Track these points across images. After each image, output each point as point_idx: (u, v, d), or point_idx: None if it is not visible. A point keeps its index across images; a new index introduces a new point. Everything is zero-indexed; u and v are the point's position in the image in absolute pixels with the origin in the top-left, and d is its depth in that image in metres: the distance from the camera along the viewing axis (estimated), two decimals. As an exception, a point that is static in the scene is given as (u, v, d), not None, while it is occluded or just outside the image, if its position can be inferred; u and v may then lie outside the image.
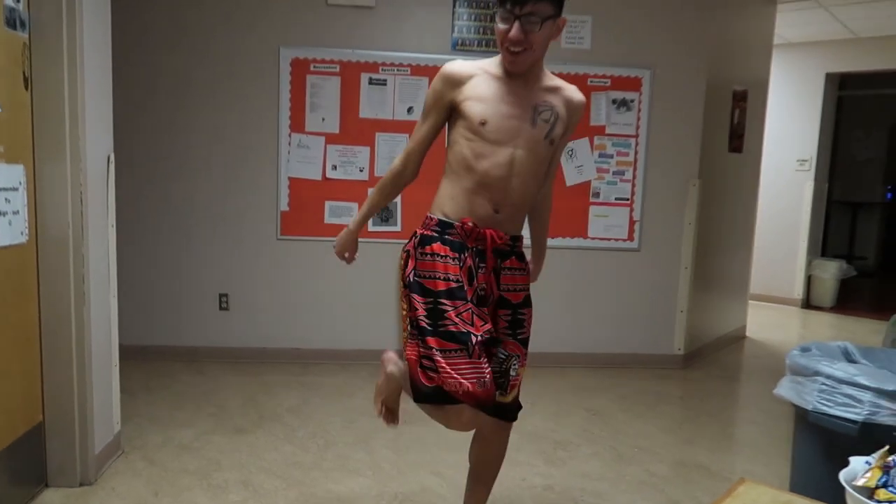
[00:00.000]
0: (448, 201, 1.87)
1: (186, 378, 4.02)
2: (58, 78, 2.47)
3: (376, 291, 4.43)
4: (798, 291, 6.91)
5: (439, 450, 3.10)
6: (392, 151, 4.32)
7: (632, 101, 4.47)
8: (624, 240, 4.57)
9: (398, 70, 4.29)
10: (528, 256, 2.07)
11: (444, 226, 1.86)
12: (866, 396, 1.76)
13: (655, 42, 4.46)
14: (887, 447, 1.57)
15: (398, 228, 4.37)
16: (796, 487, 2.03)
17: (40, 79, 2.46)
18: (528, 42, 1.73)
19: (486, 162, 1.80)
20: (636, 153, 4.51)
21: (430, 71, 4.29)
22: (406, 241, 2.03)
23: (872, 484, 1.55)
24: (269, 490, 2.72)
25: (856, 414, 1.76)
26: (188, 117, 4.23)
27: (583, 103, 1.92)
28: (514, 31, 1.72)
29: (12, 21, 2.33)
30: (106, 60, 2.80)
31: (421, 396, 1.86)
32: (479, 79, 1.83)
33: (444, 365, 1.77)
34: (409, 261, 1.92)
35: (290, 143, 4.29)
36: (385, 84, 4.30)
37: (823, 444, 1.87)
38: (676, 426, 3.65)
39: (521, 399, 2.05)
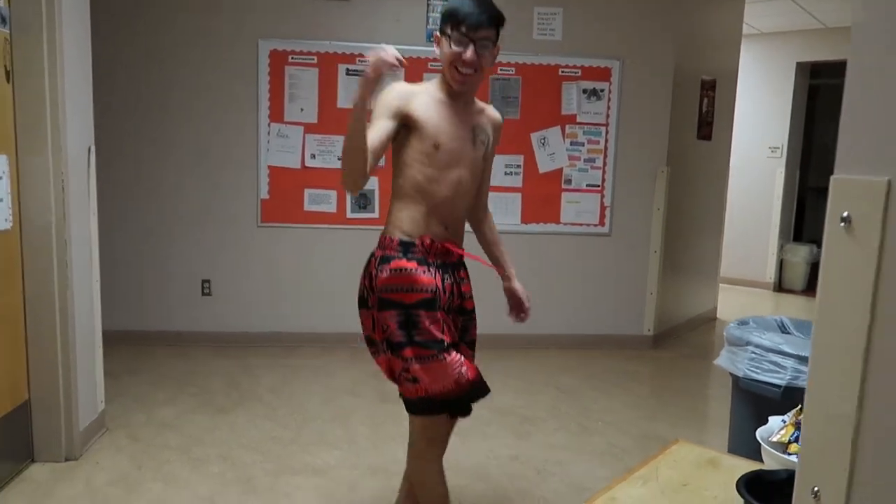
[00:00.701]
0: (406, 221, 1.88)
1: (170, 361, 4.15)
2: (38, 71, 2.58)
3: (354, 276, 4.54)
4: (770, 275, 7.10)
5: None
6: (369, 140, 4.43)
7: (602, 90, 4.61)
8: (595, 225, 4.72)
9: (374, 61, 4.40)
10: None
11: (405, 245, 1.87)
12: (789, 363, 1.92)
13: (625, 33, 4.60)
14: (799, 406, 1.73)
15: (376, 215, 4.50)
16: (732, 448, 2.20)
17: (21, 72, 2.57)
18: (479, 65, 1.82)
19: (437, 186, 1.86)
20: (606, 141, 4.65)
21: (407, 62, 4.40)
22: (383, 227, 2.02)
23: (786, 439, 1.71)
24: (248, 463, 2.86)
25: (779, 379, 1.92)
26: (170, 108, 4.34)
27: (501, 123, 2.05)
28: (470, 53, 1.79)
29: (-6, 17, 2.44)
30: (86, 53, 2.91)
31: (411, 408, 1.91)
32: (424, 98, 1.87)
33: (421, 373, 1.81)
34: (373, 282, 1.90)
35: (269, 133, 4.40)
36: (361, 75, 4.40)
37: (753, 407, 2.03)
38: (642, 402, 3.82)
39: (492, 379, 2.06)
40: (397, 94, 1.89)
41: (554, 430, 3.34)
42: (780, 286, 7.16)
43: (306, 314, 4.59)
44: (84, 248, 2.91)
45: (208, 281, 4.49)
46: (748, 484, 1.37)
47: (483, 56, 1.81)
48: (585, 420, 3.48)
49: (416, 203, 1.87)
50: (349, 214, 4.51)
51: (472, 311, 2.03)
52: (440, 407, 1.88)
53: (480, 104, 1.99)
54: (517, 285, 2.15)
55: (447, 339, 1.84)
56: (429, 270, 1.86)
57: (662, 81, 4.66)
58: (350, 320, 4.59)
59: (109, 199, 3.88)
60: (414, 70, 4.43)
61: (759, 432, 1.68)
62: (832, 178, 0.67)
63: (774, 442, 1.70)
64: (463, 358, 1.86)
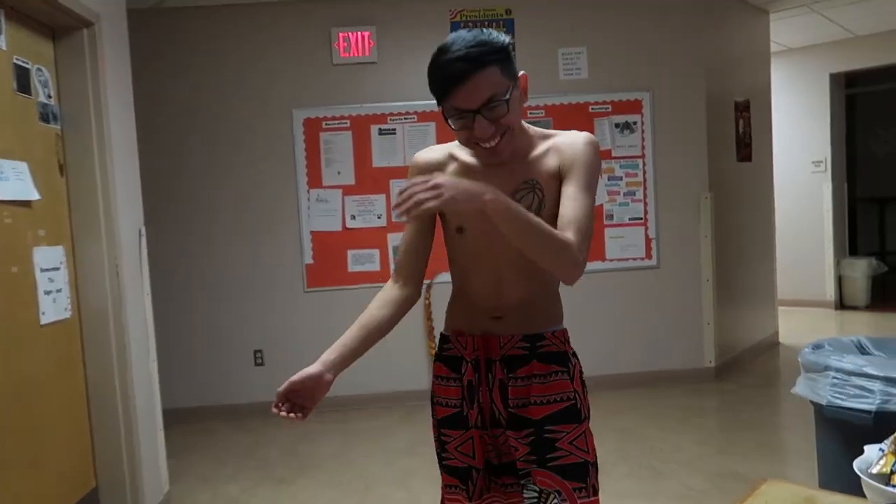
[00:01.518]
0: (448, 312, 1.55)
1: (229, 435, 4.15)
2: (90, 164, 2.67)
3: (403, 333, 4.54)
4: (830, 293, 6.84)
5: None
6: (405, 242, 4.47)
7: (634, 123, 4.58)
8: (642, 258, 4.63)
9: (405, 118, 4.47)
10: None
11: (443, 341, 1.54)
12: (877, 386, 1.80)
13: (651, 64, 4.59)
14: (896, 433, 1.62)
15: (420, 270, 4.49)
16: (823, 483, 2.06)
17: (74, 166, 2.67)
18: (501, 127, 1.32)
19: (473, 276, 1.46)
20: (644, 173, 4.60)
21: (436, 116, 4.47)
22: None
23: (887, 470, 1.59)
24: (315, 534, 2.81)
25: (868, 404, 1.80)
26: (212, 184, 4.46)
27: (577, 140, 1.40)
28: (479, 126, 1.30)
29: (45, 115, 2.56)
30: (132, 142, 3.02)
31: None
32: (452, 169, 1.46)
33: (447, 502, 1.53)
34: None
35: (309, 199, 4.48)
36: (394, 133, 4.48)
37: (842, 436, 1.90)
38: (712, 438, 3.66)
39: None
40: (420, 170, 1.50)
41: (623, 476, 3.20)
42: (841, 304, 6.87)
43: (359, 375, 4.52)
44: (140, 329, 2.95)
45: (260, 350, 4.52)
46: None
47: (500, 118, 1.30)
48: (655, 462, 3.34)
49: (458, 291, 1.53)
50: (393, 271, 4.50)
51: (548, 421, 1.40)
52: None
53: (545, 143, 1.42)
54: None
55: (477, 464, 1.47)
56: (458, 376, 1.48)
57: (695, 107, 4.62)
58: (403, 378, 4.59)
59: (157, 276, 3.97)
60: (444, 122, 4.48)
61: (857, 464, 1.57)
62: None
63: (875, 474, 1.58)
64: None
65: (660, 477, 3.17)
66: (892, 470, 1.61)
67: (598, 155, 1.42)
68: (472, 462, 1.47)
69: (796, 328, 6.05)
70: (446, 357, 1.52)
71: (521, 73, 1.36)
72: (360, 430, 4.09)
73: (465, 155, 1.45)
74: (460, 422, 1.48)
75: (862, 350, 2.16)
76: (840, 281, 6.86)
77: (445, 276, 1.76)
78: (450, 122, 1.34)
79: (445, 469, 1.52)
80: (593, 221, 1.38)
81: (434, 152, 1.51)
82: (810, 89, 6.75)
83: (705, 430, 3.79)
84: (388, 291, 1.53)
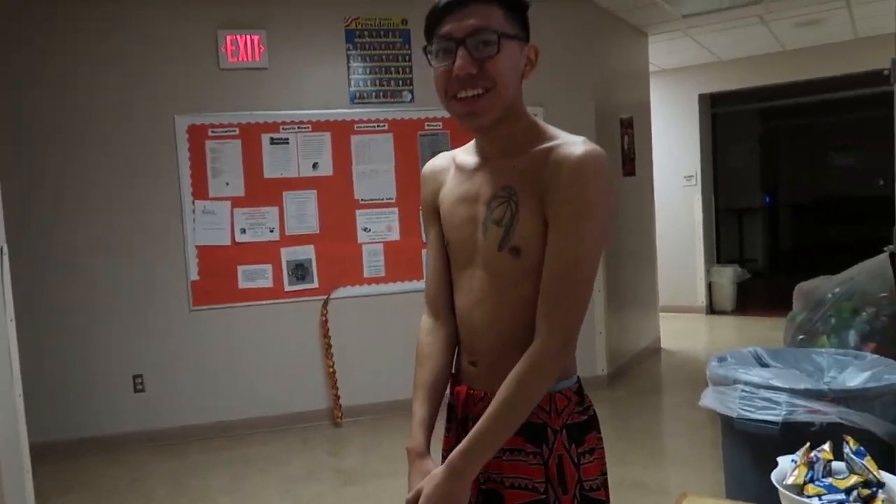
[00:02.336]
0: None
1: (106, 471, 3.77)
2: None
3: (297, 352, 4.34)
4: (701, 299, 7.31)
5: (385, 507, 3.06)
6: (301, 209, 4.29)
7: (529, 137, 4.65)
8: (538, 270, 4.70)
9: (299, 128, 4.29)
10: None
11: (443, 386, 1.33)
12: (782, 398, 1.89)
13: (545, 80, 4.68)
14: (808, 444, 1.69)
15: (315, 285, 4.31)
16: (731, 493, 2.14)
17: (-82, 175, 2.30)
18: (485, 77, 1.11)
19: (457, 296, 1.28)
20: (539, 186, 4.68)
21: (331, 126, 4.32)
22: (324, 296, 1.55)
23: (800, 481, 1.66)
24: (212, 579, 2.58)
25: (775, 415, 1.89)
26: (83, 196, 4.04)
27: (569, 161, 1.12)
28: (460, 59, 1.10)
29: None
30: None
31: None
32: (449, 175, 1.31)
33: None
34: None
35: (194, 211, 4.17)
36: (287, 143, 4.28)
37: (750, 447, 1.99)
38: (611, 446, 3.74)
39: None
40: (425, 184, 1.35)
41: (532, 489, 3.20)
42: (711, 309, 7.37)
43: (249, 399, 4.30)
44: (3, 360, 2.60)
45: (140, 376, 4.15)
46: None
47: (489, 58, 1.10)
48: (561, 474, 3.37)
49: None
50: (287, 287, 4.30)
51: None
52: None
53: (547, 144, 1.17)
54: (429, 481, 1.12)
55: None
56: (449, 430, 1.31)
57: (585, 123, 4.77)
58: (297, 399, 4.38)
59: (21, 300, 3.54)
60: (341, 133, 4.35)
61: (774, 476, 1.62)
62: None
63: (789, 485, 1.64)
64: None
65: (566, 489, 3.20)
66: (804, 481, 1.68)
67: (601, 180, 1.12)
68: None
69: (674, 333, 6.40)
70: (450, 405, 1.32)
71: (533, 43, 1.19)
72: (253, 458, 3.85)
73: (461, 156, 1.30)
74: None
75: (760, 361, 2.28)
76: (710, 287, 7.36)
77: (342, 292, 1.62)
78: (433, 62, 1.15)
79: None
80: (593, 274, 1.13)
81: (439, 159, 1.35)
82: (682, 108, 7.21)
83: (604, 439, 3.88)
84: (437, 335, 1.29)
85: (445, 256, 1.30)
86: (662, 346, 6.02)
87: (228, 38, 4.16)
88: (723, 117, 8.35)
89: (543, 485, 1.16)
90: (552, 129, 1.22)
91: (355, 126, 4.36)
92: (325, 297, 4.32)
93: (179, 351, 4.18)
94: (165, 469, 3.75)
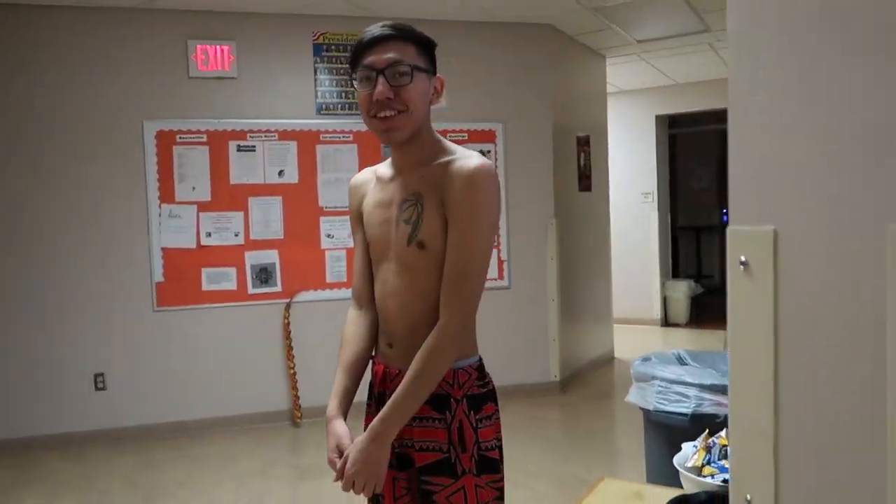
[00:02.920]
0: None
1: (64, 466, 3.84)
2: None
3: (260, 353, 4.46)
4: (656, 311, 7.58)
5: (341, 499, 3.18)
6: (266, 214, 4.43)
7: (489, 151, 4.86)
8: (495, 279, 4.89)
9: (266, 136, 4.44)
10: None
11: (363, 365, 1.52)
12: (692, 392, 2.09)
13: (506, 98, 4.91)
14: (707, 430, 1.89)
15: (278, 288, 4.45)
16: (651, 478, 2.33)
17: None
18: (399, 101, 1.32)
19: (376, 287, 1.48)
20: (497, 199, 4.88)
21: (297, 135, 4.48)
22: (287, 300, 1.79)
23: (699, 463, 1.85)
24: (165, 565, 2.69)
25: (685, 408, 2.08)
26: (49, 195, 4.13)
27: (464, 171, 1.33)
28: (380, 86, 1.31)
29: None
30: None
31: None
32: (370, 186, 1.52)
33: None
34: None
35: (160, 214, 4.29)
36: (254, 150, 4.42)
37: (665, 436, 2.18)
38: (556, 447, 3.95)
39: None
40: (351, 196, 1.57)
41: (478, 485, 3.36)
42: (666, 321, 7.64)
43: (210, 399, 4.40)
44: (-35, 352, 2.69)
45: (101, 374, 4.23)
46: (675, 509, 1.47)
47: (403, 87, 1.32)
48: (507, 472, 3.53)
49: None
50: (251, 290, 4.42)
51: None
52: None
53: (445, 158, 1.38)
54: (353, 446, 1.33)
55: (383, 497, 1.44)
56: (371, 401, 1.50)
57: (543, 139, 4.99)
58: (258, 400, 4.49)
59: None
60: (306, 142, 4.51)
61: (676, 459, 1.81)
62: (728, 229, 0.79)
63: (690, 467, 1.83)
64: None
65: (511, 485, 3.36)
66: (702, 463, 1.87)
67: (490, 187, 1.35)
68: (380, 493, 1.40)
69: (628, 344, 6.63)
70: (370, 383, 1.52)
71: (439, 76, 1.42)
72: (210, 456, 3.95)
73: (381, 169, 1.50)
74: None
75: (681, 361, 2.48)
76: (665, 301, 7.63)
77: (304, 296, 1.76)
78: (357, 87, 1.37)
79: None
80: (486, 268, 1.36)
81: (362, 174, 1.57)
82: (639, 128, 7.51)
83: (551, 440, 4.07)
84: (359, 323, 1.51)
85: (368, 256, 1.51)
86: (616, 355, 6.24)
87: (199, 47, 4.30)
88: (682, 138, 8.68)
89: (447, 445, 1.37)
90: (452, 146, 1.44)
91: (321, 136, 4.52)
92: (287, 300, 4.45)
93: (142, 350, 4.27)
94: (122, 465, 3.83)
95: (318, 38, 4.52)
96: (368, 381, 1.52)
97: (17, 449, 3.98)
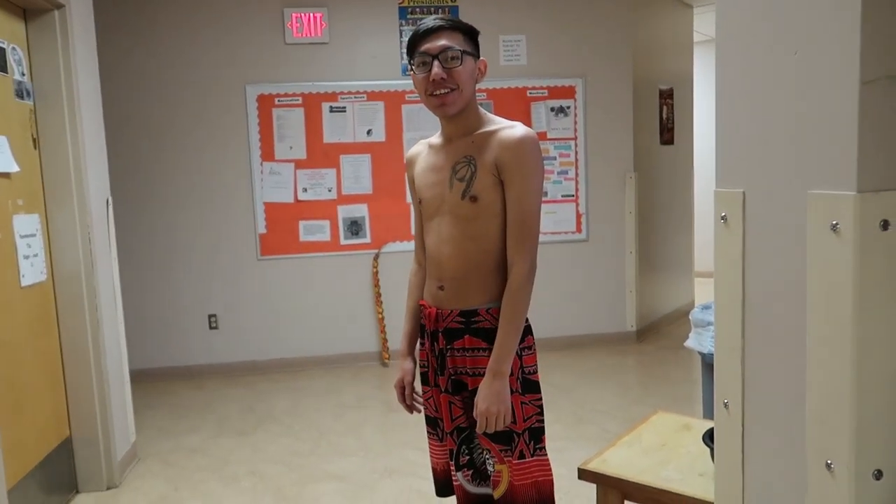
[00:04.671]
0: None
1: (186, 393, 4.40)
2: (61, 137, 2.86)
3: (352, 299, 4.85)
4: (743, 265, 7.46)
5: (423, 429, 3.53)
6: (356, 171, 4.76)
7: (568, 107, 4.96)
8: (573, 232, 5.05)
9: (355, 97, 4.73)
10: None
11: (420, 310, 1.81)
12: (745, 337, 2.24)
13: (585, 52, 4.97)
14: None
15: (367, 240, 4.79)
16: (705, 415, 2.50)
17: (47, 139, 2.85)
18: (452, 80, 1.56)
19: (427, 239, 1.72)
20: (576, 153, 5.00)
21: (384, 96, 4.75)
22: (375, 250, 2.16)
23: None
24: (274, 475, 3.13)
25: (737, 351, 2.24)
26: (169, 156, 4.62)
27: (514, 139, 1.57)
28: (436, 69, 1.55)
29: (20, 92, 2.73)
30: (99, 116, 3.20)
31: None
32: (422, 155, 1.76)
33: (429, 446, 1.87)
34: None
35: (262, 172, 4.70)
36: (345, 111, 4.73)
37: (718, 379, 2.35)
38: (629, 391, 4.14)
39: None
40: (407, 165, 1.84)
41: (550, 422, 3.62)
42: (753, 275, 7.51)
43: (309, 339, 4.86)
44: (109, 292, 3.17)
45: (214, 315, 4.75)
46: (712, 435, 1.67)
47: (454, 69, 1.57)
48: (579, 411, 3.78)
49: (427, 261, 1.78)
50: (343, 241, 4.80)
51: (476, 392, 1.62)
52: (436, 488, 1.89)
53: (493, 126, 1.63)
54: (482, 387, 1.59)
55: (441, 419, 1.76)
56: (424, 342, 1.78)
57: (623, 94, 5.03)
58: (351, 341, 4.91)
59: (118, 244, 4.14)
60: (393, 102, 4.77)
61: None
62: (714, 190, 0.98)
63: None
64: (441, 450, 1.81)
65: (581, 423, 3.62)
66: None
67: (536, 151, 1.59)
68: (437, 415, 1.77)
69: (711, 296, 6.63)
70: (421, 324, 1.80)
71: (483, 59, 1.66)
72: (311, 389, 4.41)
73: (433, 140, 1.76)
74: (426, 380, 1.80)
75: (741, 309, 2.61)
76: (752, 255, 7.49)
77: (391, 247, 1.99)
78: (415, 71, 1.61)
79: (426, 419, 1.85)
80: (539, 218, 1.62)
81: (415, 148, 1.83)
82: (731, 77, 7.28)
83: (624, 385, 4.26)
84: (420, 276, 1.85)
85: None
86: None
87: (294, 15, 4.60)
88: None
89: None
90: (495, 117, 1.69)
91: (406, 96, 4.77)
92: (376, 250, 4.81)
93: (248, 295, 4.76)
94: (236, 394, 4.35)
95: (403, 1, 4.72)
96: (420, 324, 1.81)
97: (148, 377, 4.59)
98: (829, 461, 0.75)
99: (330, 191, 4.76)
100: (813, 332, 0.77)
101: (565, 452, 3.20)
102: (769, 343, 0.88)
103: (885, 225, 0.69)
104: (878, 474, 0.72)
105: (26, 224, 2.70)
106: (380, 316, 4.85)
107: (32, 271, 2.73)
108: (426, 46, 1.57)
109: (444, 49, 1.56)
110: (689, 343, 2.52)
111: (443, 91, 1.58)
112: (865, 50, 0.67)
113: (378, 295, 4.84)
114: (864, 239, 0.69)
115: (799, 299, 0.79)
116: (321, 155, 4.74)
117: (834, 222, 0.72)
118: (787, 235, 0.82)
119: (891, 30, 0.67)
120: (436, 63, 1.56)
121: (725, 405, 0.99)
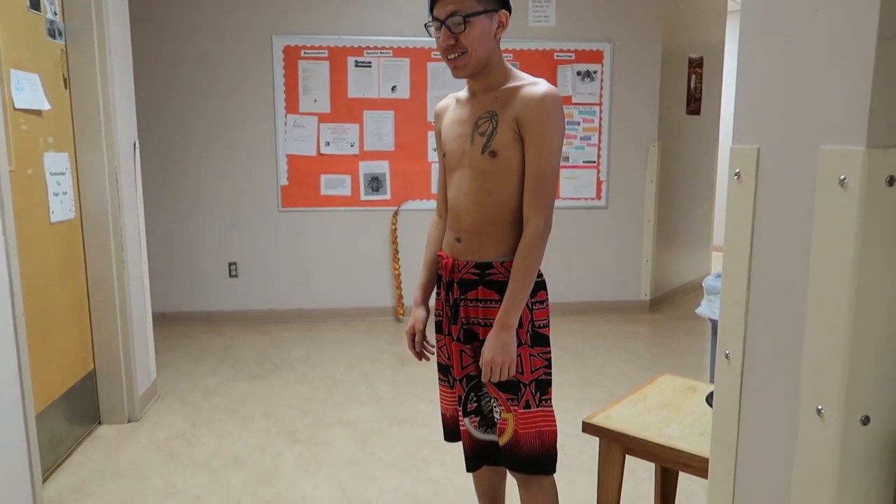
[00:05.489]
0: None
1: (205, 337, 4.52)
2: (91, 78, 2.91)
3: (369, 254, 4.92)
4: (763, 242, 7.42)
5: (435, 383, 3.62)
6: (379, 127, 4.77)
7: (595, 72, 4.91)
8: (592, 199, 5.05)
9: (381, 53, 4.72)
10: None
11: (437, 261, 1.86)
12: (756, 306, 2.26)
13: (614, 17, 4.89)
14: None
15: (388, 196, 4.83)
16: (712, 380, 2.54)
17: (77, 79, 2.90)
18: (460, 45, 1.57)
19: (449, 191, 1.77)
20: (600, 119, 4.97)
21: (410, 52, 4.73)
22: (395, 207, 2.20)
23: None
24: (288, 418, 3.23)
25: (748, 319, 2.26)
26: (194, 104, 4.66)
27: (536, 96, 1.57)
28: (442, 37, 1.58)
29: (52, 31, 2.77)
30: (128, 60, 3.24)
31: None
32: (450, 109, 1.79)
33: (440, 392, 1.93)
34: None
35: (286, 124, 4.73)
36: (370, 66, 4.73)
37: (727, 345, 2.37)
38: (638, 357, 4.18)
39: None
40: (435, 119, 1.87)
41: (558, 385, 3.67)
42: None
43: (326, 291, 4.94)
44: (134, 233, 3.25)
45: (235, 263, 4.84)
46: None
47: (459, 35, 1.56)
48: (587, 374, 3.84)
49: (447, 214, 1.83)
50: (363, 197, 4.84)
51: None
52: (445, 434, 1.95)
53: (517, 82, 1.63)
54: (489, 338, 1.64)
55: (453, 367, 1.81)
56: (440, 289, 1.84)
57: (651, 61, 4.96)
58: (366, 295, 4.99)
59: (144, 190, 4.22)
60: (418, 59, 4.75)
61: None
62: (731, 147, 1.00)
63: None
64: (451, 397, 1.86)
65: (588, 385, 3.68)
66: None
67: (557, 110, 1.59)
68: (448, 362, 1.82)
69: (728, 271, 6.61)
70: (438, 275, 1.85)
71: (503, 10, 1.61)
72: (326, 339, 4.50)
73: (460, 94, 1.78)
74: (440, 328, 1.85)
75: (755, 280, 2.62)
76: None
77: (410, 205, 1.99)
78: (430, 31, 1.64)
79: (438, 363, 1.90)
80: (557, 177, 1.64)
81: (444, 101, 1.85)
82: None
83: (633, 351, 4.31)
84: (440, 227, 1.89)
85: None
86: (712, 281, 6.27)
87: (323, -34, 4.57)
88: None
89: None
90: (520, 73, 1.69)
91: (432, 53, 4.74)
92: (395, 208, 4.85)
93: (268, 245, 4.84)
94: (253, 341, 4.46)
95: (433, -45, 4.66)
96: (437, 274, 1.86)
97: (169, 320, 4.71)
98: (819, 407, 0.79)
99: (352, 146, 4.79)
100: (814, 283, 0.80)
101: (571, 412, 3.27)
102: (772, 296, 0.91)
103: (891, 181, 0.71)
104: (866, 420, 0.76)
105: (56, 162, 2.77)
106: (396, 272, 4.92)
107: (61, 208, 2.80)
108: (436, 11, 1.58)
109: (450, 14, 1.55)
110: (701, 310, 2.54)
111: (452, 55, 1.60)
112: (885, 8, 0.69)
113: (395, 251, 4.90)
114: (870, 194, 0.72)
115: (804, 253, 0.82)
116: (345, 110, 4.75)
117: (842, 177, 0.74)
118: (798, 191, 0.84)
119: (912, -12, 0.69)
120: (443, 29, 1.57)
121: (727, 356, 1.03)
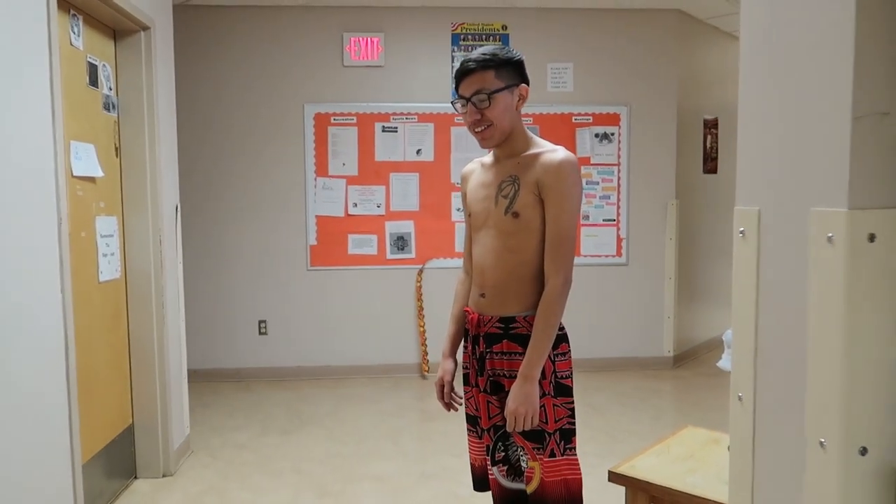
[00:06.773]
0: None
1: (235, 394, 4.62)
2: (140, 147, 3.12)
3: (395, 312, 5.03)
4: (786, 297, 7.42)
5: (460, 438, 3.66)
6: (404, 189, 4.96)
7: (612, 134, 5.09)
8: (613, 256, 5.15)
9: (407, 119, 4.95)
10: None
11: (464, 316, 1.96)
12: (776, 358, 2.32)
13: (631, 81, 5.10)
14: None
15: (413, 255, 4.98)
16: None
17: (127, 148, 3.12)
18: (485, 119, 1.73)
19: (474, 249, 1.88)
20: (619, 179, 5.12)
21: (435, 118, 4.95)
22: (420, 266, 2.33)
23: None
24: (318, 474, 3.29)
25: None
26: (229, 167, 4.90)
27: (554, 163, 1.71)
28: (469, 113, 1.74)
29: (107, 105, 3.00)
30: (173, 129, 3.47)
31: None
32: (476, 172, 1.93)
33: (468, 443, 2.00)
34: None
35: (315, 186, 4.94)
36: (396, 131, 4.95)
37: (749, 398, 2.42)
38: (663, 414, 4.19)
39: None
40: (462, 182, 2.00)
41: (584, 441, 3.71)
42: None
43: (353, 348, 5.04)
44: (174, 292, 3.41)
45: (265, 321, 4.98)
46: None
47: (485, 110, 1.72)
48: (614, 431, 3.86)
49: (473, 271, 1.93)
50: (389, 256, 4.99)
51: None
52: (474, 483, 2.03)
53: (537, 149, 1.78)
54: (513, 389, 1.73)
55: (480, 417, 1.90)
56: (467, 343, 1.93)
57: (667, 122, 5.14)
58: (392, 352, 5.08)
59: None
60: (442, 124, 4.97)
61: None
62: (735, 208, 1.12)
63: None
64: (479, 446, 1.94)
65: (615, 442, 3.69)
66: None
67: (575, 175, 1.74)
68: (476, 413, 1.91)
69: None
70: (465, 329, 1.95)
71: (523, 84, 1.77)
72: (353, 395, 4.58)
73: (485, 159, 1.92)
74: (468, 381, 1.95)
75: (775, 334, 2.68)
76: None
77: (435, 263, 2.08)
78: (456, 107, 1.79)
79: (466, 417, 1.98)
80: (575, 236, 1.76)
81: (470, 165, 2.00)
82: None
83: (659, 408, 4.32)
84: (465, 284, 2.01)
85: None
86: (736, 338, 6.26)
87: (353, 39, 4.86)
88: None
89: None
90: (540, 140, 1.85)
91: (455, 119, 4.96)
92: (420, 266, 4.98)
93: (297, 303, 4.98)
94: (282, 397, 4.54)
95: (456, 28, 4.94)
96: (464, 328, 1.97)
97: (200, 377, 4.82)
98: (822, 440, 0.88)
99: (379, 206, 4.97)
100: (812, 329, 0.90)
101: (598, 468, 3.29)
102: (777, 342, 1.01)
103: (872, 238, 0.82)
104: (864, 450, 0.84)
105: (106, 225, 2.95)
106: (421, 329, 5.01)
107: (109, 268, 2.97)
108: (461, 90, 1.74)
109: (476, 93, 1.71)
110: (721, 363, 2.61)
111: (479, 129, 1.75)
112: (857, 91, 0.81)
113: (420, 309, 5.01)
114: (854, 249, 0.82)
115: (802, 302, 0.92)
116: (372, 172, 4.96)
117: (829, 234, 0.85)
118: (794, 247, 0.95)
119: (878, 71, 0.81)
120: (469, 106, 1.73)
121: (739, 398, 1.12)
